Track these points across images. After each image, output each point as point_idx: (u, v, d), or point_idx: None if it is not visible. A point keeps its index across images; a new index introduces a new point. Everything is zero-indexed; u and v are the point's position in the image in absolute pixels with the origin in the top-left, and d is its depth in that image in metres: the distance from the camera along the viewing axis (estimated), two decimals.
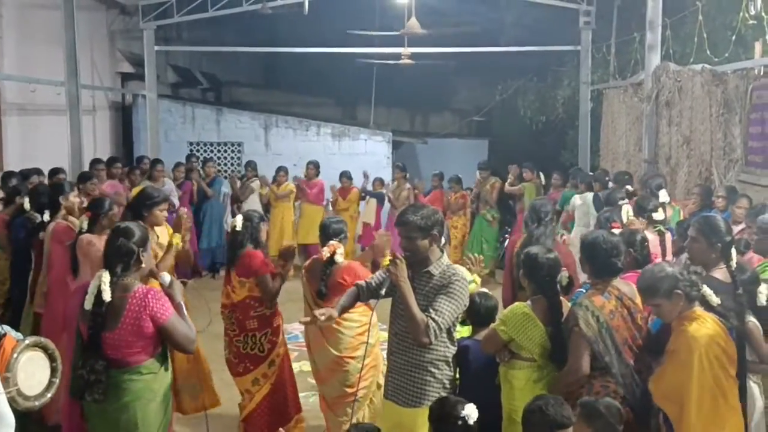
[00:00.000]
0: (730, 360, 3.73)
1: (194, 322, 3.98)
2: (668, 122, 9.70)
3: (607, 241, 4.15)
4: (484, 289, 4.75)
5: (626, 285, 4.17)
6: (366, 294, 4.22)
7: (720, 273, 4.24)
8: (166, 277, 3.94)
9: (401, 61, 14.21)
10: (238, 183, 11.74)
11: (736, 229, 6.44)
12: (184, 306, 3.87)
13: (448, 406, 3.43)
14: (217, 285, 6.34)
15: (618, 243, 4.19)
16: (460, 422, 3.33)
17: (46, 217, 6.04)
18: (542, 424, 3.22)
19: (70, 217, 5.92)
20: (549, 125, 15.23)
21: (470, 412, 3.35)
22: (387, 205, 12.18)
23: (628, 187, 7.93)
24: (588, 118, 13.25)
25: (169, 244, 5.27)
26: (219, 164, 14.53)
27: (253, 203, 11.10)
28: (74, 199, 6.10)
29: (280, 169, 11.97)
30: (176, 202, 10.11)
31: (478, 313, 4.43)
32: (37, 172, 8.39)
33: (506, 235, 11.41)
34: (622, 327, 4.02)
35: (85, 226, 5.38)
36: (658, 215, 6.18)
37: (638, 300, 4.09)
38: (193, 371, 5.60)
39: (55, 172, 8.44)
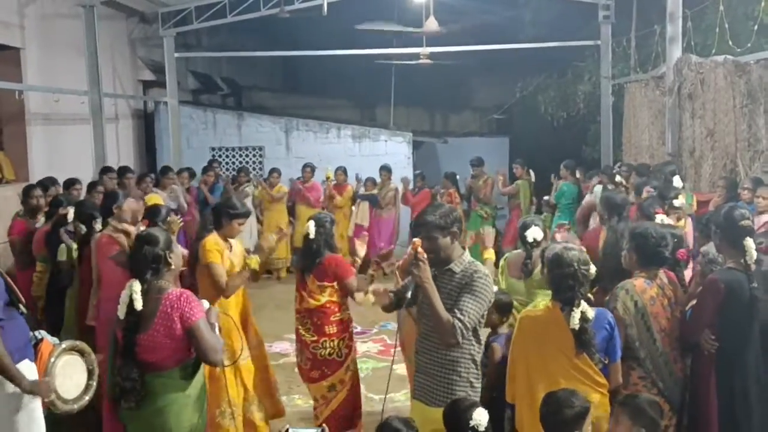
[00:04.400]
0: None
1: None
2: (691, 115, 9.61)
3: (657, 231, 4.27)
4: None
5: (666, 277, 4.25)
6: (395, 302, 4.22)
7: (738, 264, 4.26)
8: (205, 303, 3.94)
9: (420, 61, 14.22)
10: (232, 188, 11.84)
11: (762, 219, 6.40)
12: (217, 328, 3.87)
13: (459, 410, 3.43)
14: None
15: (666, 234, 4.27)
16: (470, 429, 3.33)
17: (98, 226, 5.93)
18: (560, 416, 3.24)
19: (123, 226, 5.73)
20: (570, 121, 15.14)
21: (480, 418, 3.34)
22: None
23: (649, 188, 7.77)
24: (610, 112, 13.17)
25: (245, 266, 5.18)
26: (242, 168, 14.64)
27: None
28: (128, 207, 5.94)
29: (273, 170, 12.26)
30: (185, 205, 10.31)
31: (498, 310, 4.46)
32: (53, 182, 8.38)
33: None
34: (661, 315, 4.13)
35: (98, 226, 5.47)
36: (678, 202, 6.39)
37: (678, 293, 4.17)
38: (261, 382, 5.57)
39: (71, 182, 8.44)
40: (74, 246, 6.10)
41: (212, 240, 5.18)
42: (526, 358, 3.79)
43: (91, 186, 8.38)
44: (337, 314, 5.36)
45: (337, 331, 5.35)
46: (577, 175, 10.60)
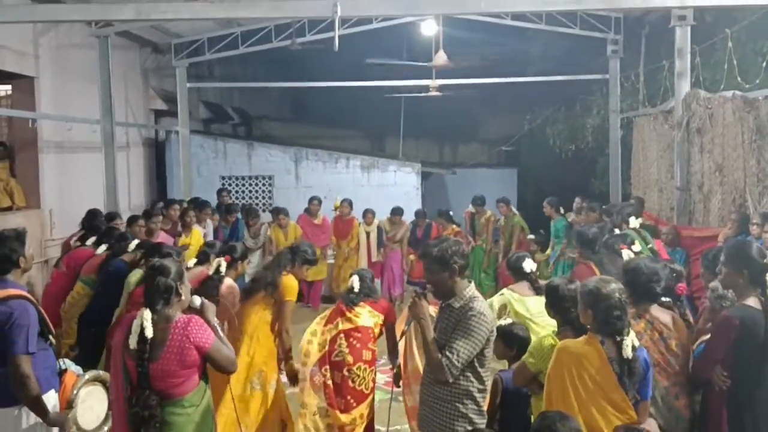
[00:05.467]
0: None
1: None
2: (700, 149, 9.62)
3: (648, 267, 4.23)
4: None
5: (663, 312, 4.20)
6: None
7: (753, 301, 4.20)
8: (197, 299, 4.03)
9: (429, 93, 14.32)
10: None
11: None
12: (218, 326, 3.99)
13: None
14: None
15: (659, 270, 4.24)
16: None
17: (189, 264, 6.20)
18: None
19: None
20: (578, 154, 15.18)
21: None
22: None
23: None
24: (618, 146, 13.20)
25: (289, 364, 5.62)
26: (251, 197, 14.71)
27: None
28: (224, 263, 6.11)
29: (279, 211, 11.52)
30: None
31: (517, 345, 4.45)
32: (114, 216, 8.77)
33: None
34: (651, 349, 4.11)
35: (223, 269, 5.70)
36: (636, 248, 6.41)
37: (674, 327, 4.12)
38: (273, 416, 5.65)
39: (112, 216, 8.71)
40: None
41: (294, 279, 5.63)
42: (564, 394, 3.73)
43: (131, 221, 8.41)
44: (373, 344, 5.50)
45: (371, 360, 5.47)
46: (561, 211, 10.64)
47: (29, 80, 10.03)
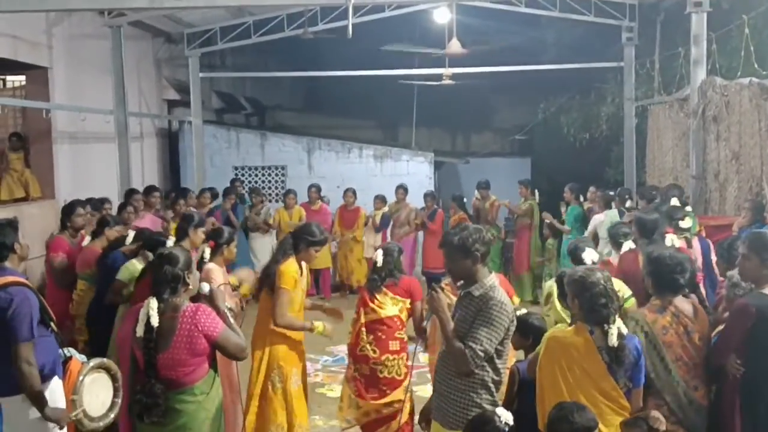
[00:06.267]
0: None
1: None
2: (716, 137, 9.53)
3: (673, 257, 4.17)
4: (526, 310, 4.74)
5: (686, 303, 4.16)
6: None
7: None
8: (206, 286, 4.03)
9: (443, 82, 14.25)
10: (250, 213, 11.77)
11: None
12: (228, 313, 3.99)
13: (482, 422, 3.47)
14: None
15: (683, 261, 4.18)
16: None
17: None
18: (559, 429, 3.25)
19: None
20: (593, 142, 15.08)
21: (503, 414, 3.43)
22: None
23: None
24: (633, 134, 13.11)
25: (311, 325, 5.38)
26: (264, 187, 14.72)
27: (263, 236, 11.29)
28: (202, 235, 6.12)
29: (289, 191, 12.08)
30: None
31: (532, 335, 4.44)
32: (102, 202, 8.65)
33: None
34: (676, 343, 4.05)
35: (207, 255, 5.56)
36: (685, 223, 6.47)
37: (697, 318, 4.08)
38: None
39: (101, 201, 8.65)
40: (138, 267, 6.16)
41: (292, 266, 5.29)
42: (553, 382, 3.74)
43: (122, 207, 8.51)
44: (402, 331, 5.41)
45: (399, 349, 5.39)
46: (581, 198, 10.56)
47: (43, 71, 10.06)
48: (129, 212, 8.23)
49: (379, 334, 5.35)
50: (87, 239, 7.15)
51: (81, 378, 4.10)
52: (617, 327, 3.69)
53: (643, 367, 3.84)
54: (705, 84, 9.76)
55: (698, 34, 9.84)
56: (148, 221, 8.61)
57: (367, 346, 5.38)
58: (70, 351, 4.37)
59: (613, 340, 3.66)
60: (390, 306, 5.37)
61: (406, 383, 5.39)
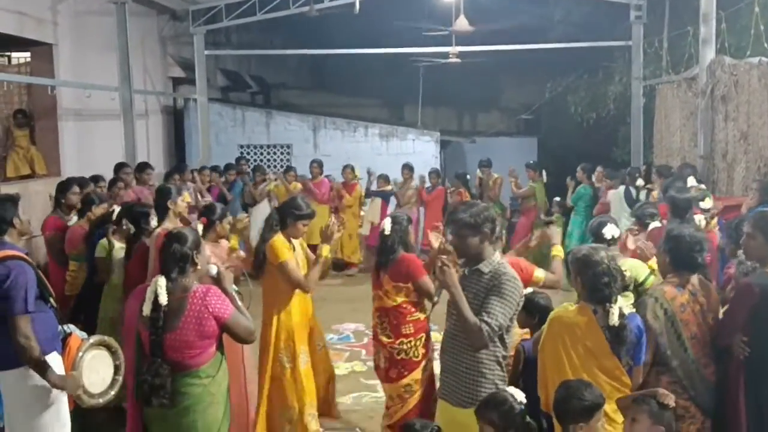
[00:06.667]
0: None
1: None
2: (724, 117, 9.47)
3: (692, 235, 4.17)
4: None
5: (703, 283, 4.16)
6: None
7: None
8: (213, 268, 3.99)
9: (449, 60, 14.17)
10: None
11: None
12: (236, 296, 3.94)
13: (495, 402, 3.44)
14: None
15: (702, 240, 4.16)
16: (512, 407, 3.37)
17: (153, 223, 5.94)
18: (579, 408, 3.23)
19: (180, 222, 5.84)
20: (600, 122, 15.02)
21: (516, 393, 3.42)
22: (393, 201, 12.09)
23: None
24: (640, 113, 13.04)
25: (318, 256, 5.24)
26: (269, 166, 14.70)
27: (264, 207, 11.21)
28: (183, 203, 6.04)
29: (289, 169, 12.21)
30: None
31: (538, 313, 4.43)
32: (95, 180, 8.52)
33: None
34: (692, 321, 4.07)
35: (200, 232, 5.41)
36: (706, 204, 6.48)
37: (710, 298, 4.09)
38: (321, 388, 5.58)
39: (96, 179, 8.49)
40: (119, 245, 6.12)
41: (280, 240, 5.22)
42: (556, 360, 3.74)
43: (112, 183, 8.46)
44: (414, 314, 5.27)
45: (414, 332, 5.26)
46: (593, 178, 10.51)
47: (48, 47, 10.04)
48: (119, 187, 8.21)
49: (392, 319, 5.26)
50: (74, 219, 7.07)
51: (81, 354, 4.09)
52: (618, 306, 3.68)
53: (644, 345, 3.85)
54: (714, 63, 9.68)
55: (707, 13, 9.74)
56: (133, 192, 8.54)
57: (379, 329, 5.35)
58: (69, 327, 4.35)
59: (615, 320, 3.65)
60: (395, 295, 5.26)
61: (423, 363, 5.31)
